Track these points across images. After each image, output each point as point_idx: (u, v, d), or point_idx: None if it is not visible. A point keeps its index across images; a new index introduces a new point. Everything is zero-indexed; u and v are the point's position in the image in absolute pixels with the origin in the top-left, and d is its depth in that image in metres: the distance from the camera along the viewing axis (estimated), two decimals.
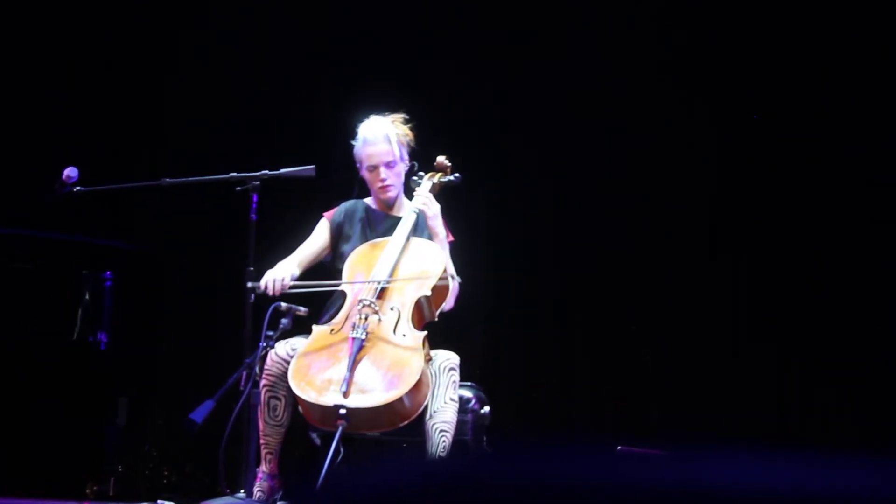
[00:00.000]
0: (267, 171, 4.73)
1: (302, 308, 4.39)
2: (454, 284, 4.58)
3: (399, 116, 4.80)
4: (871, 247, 6.21)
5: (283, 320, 4.29)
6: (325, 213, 4.84)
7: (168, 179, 4.93)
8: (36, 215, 5.82)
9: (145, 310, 5.96)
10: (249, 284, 4.49)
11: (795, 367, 6.28)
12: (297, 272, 4.64)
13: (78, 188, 4.86)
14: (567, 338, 6.59)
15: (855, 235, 6.23)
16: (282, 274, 4.50)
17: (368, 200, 4.85)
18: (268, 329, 4.24)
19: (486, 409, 4.72)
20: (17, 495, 4.88)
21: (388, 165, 4.71)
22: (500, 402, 5.31)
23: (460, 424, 4.50)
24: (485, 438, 4.69)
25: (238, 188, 4.72)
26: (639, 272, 6.47)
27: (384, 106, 4.85)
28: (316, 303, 4.59)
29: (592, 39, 6.48)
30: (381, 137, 4.71)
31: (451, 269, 4.61)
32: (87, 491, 5.64)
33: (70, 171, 4.86)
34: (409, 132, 4.79)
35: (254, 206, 4.66)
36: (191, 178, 4.96)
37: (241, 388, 4.26)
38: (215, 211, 6.34)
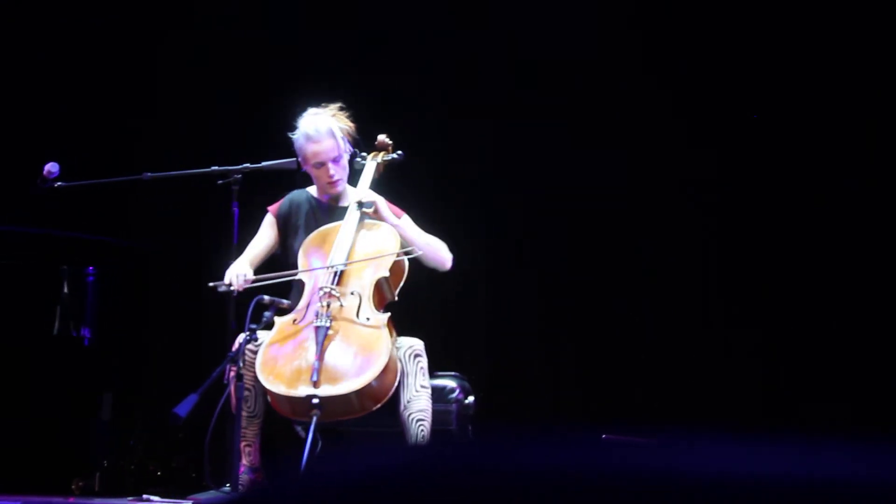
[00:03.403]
0: (248, 164, 4.73)
1: (285, 301, 4.39)
2: (432, 251, 4.61)
3: (336, 107, 4.74)
4: (859, 231, 6.23)
5: (266, 313, 4.28)
6: (270, 207, 4.79)
7: (149, 174, 4.92)
8: (18, 211, 5.80)
9: (129, 304, 5.94)
10: (211, 284, 4.47)
11: (782, 351, 6.29)
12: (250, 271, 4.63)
13: (59, 183, 4.84)
14: (552, 326, 6.59)
15: (842, 219, 6.24)
16: (244, 269, 4.47)
17: (312, 190, 4.81)
18: (251, 322, 4.23)
19: (471, 398, 4.73)
20: (3, 492, 4.86)
21: (335, 161, 4.66)
22: (484, 391, 5.31)
23: (445, 414, 4.50)
24: (470, 428, 4.69)
25: (220, 181, 4.71)
26: (624, 257, 6.48)
27: (350, 96, 4.84)
28: (286, 295, 4.57)
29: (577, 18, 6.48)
30: (325, 133, 4.64)
31: (421, 239, 4.62)
32: (73, 486, 5.63)
33: (51, 167, 4.84)
34: (350, 123, 4.73)
35: (235, 199, 4.66)
36: (172, 173, 4.95)
37: (225, 382, 4.26)
38: (198, 205, 6.33)
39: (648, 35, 6.51)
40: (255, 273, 4.56)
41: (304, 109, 4.75)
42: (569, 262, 6.53)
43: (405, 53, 6.56)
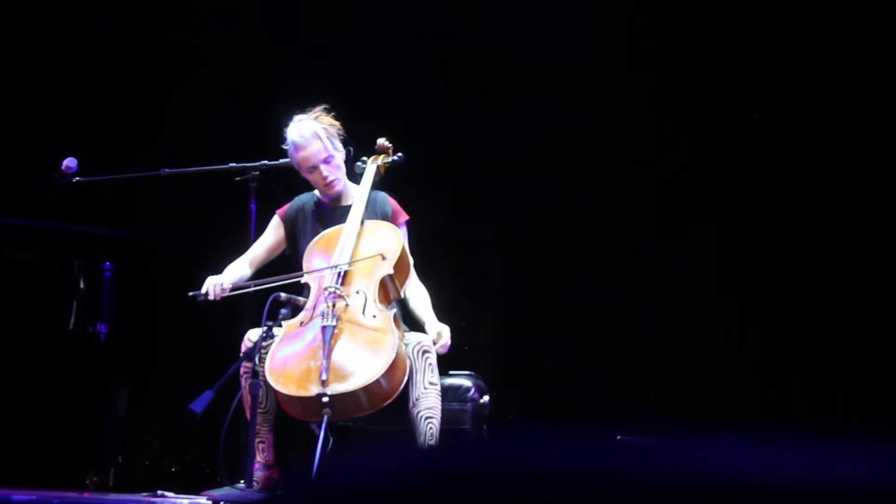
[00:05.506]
0: (266, 161, 4.74)
1: (302, 298, 4.39)
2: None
3: (320, 109, 4.73)
4: (858, 231, 6.21)
5: (283, 310, 4.29)
6: (278, 211, 4.81)
7: (167, 170, 4.93)
8: (35, 206, 5.81)
9: (145, 300, 5.95)
10: (191, 293, 4.49)
11: (794, 352, 6.29)
12: (248, 272, 4.65)
13: (77, 178, 4.86)
14: (567, 327, 6.59)
15: (842, 218, 6.23)
16: (221, 279, 4.51)
17: (317, 192, 4.81)
18: (267, 319, 4.24)
19: (486, 398, 4.72)
20: (18, 486, 4.88)
21: (326, 161, 4.66)
22: (500, 391, 5.31)
23: (460, 413, 4.50)
24: (484, 427, 4.69)
25: (237, 178, 4.72)
26: (637, 260, 6.48)
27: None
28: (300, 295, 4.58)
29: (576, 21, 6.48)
30: (310, 136, 4.65)
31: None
32: (88, 482, 5.64)
33: (69, 162, 4.86)
34: (335, 122, 4.73)
35: (253, 196, 4.67)
36: (190, 169, 4.96)
37: (240, 379, 4.26)
38: (215, 201, 6.34)
39: (648, 35, 6.51)
40: (261, 274, 4.60)
41: (304, 110, 4.76)
42: (579, 261, 6.53)
43: (405, 53, 6.56)
